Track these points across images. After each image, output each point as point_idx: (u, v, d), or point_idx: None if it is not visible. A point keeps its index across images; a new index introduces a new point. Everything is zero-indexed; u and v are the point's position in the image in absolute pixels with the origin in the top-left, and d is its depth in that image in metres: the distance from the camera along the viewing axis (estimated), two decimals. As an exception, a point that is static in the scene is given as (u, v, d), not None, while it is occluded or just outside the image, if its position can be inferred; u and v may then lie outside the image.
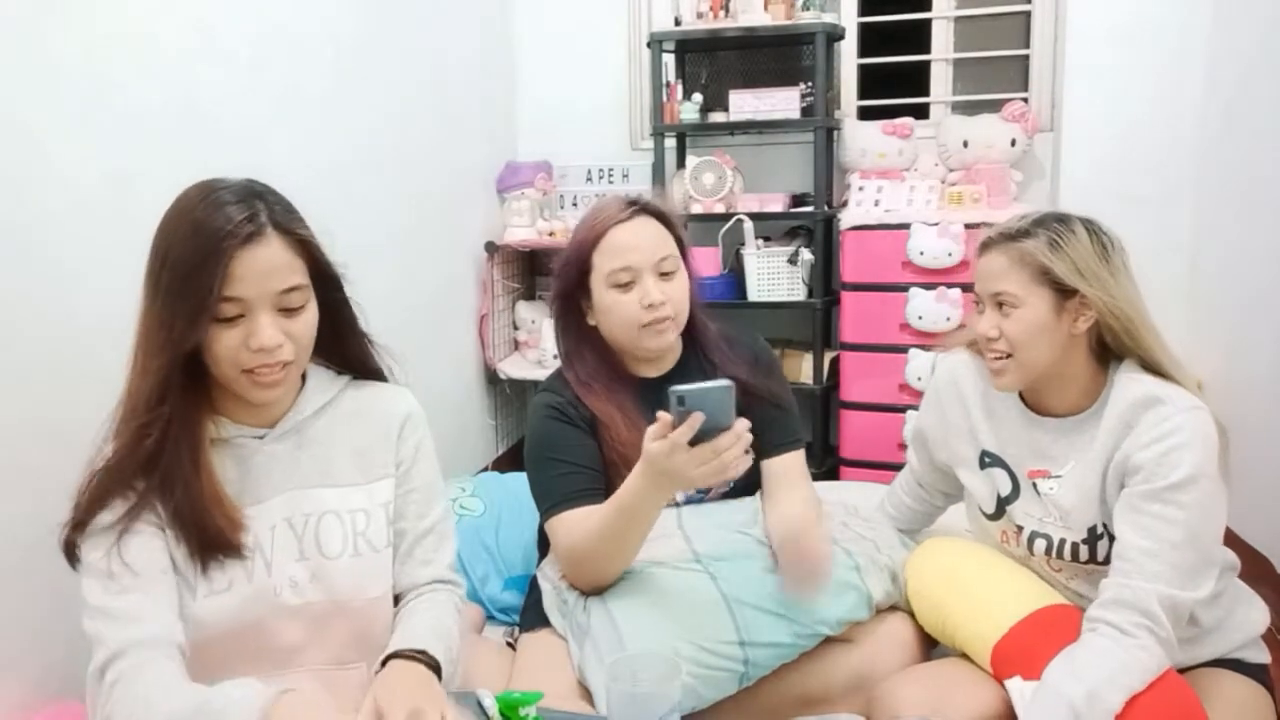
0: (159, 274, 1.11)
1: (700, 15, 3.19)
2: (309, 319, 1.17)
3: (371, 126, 2.57)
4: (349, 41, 2.46)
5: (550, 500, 1.52)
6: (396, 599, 1.30)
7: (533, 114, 3.59)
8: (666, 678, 1.02)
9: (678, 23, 3.25)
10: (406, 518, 1.29)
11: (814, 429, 3.14)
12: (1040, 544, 1.47)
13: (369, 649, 1.22)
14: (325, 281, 1.21)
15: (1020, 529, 1.50)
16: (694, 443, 1.23)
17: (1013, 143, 3.05)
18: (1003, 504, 1.53)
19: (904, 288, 2.90)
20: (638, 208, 1.57)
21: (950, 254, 2.84)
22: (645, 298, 1.52)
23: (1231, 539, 2.54)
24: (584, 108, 3.56)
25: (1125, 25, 2.95)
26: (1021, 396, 1.51)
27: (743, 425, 1.25)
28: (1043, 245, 1.39)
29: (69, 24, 1.58)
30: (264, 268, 1.11)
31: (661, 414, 1.26)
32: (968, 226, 2.81)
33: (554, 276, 1.65)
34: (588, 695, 1.40)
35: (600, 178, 3.58)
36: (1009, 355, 1.42)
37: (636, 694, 1.00)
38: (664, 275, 1.55)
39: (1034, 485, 1.47)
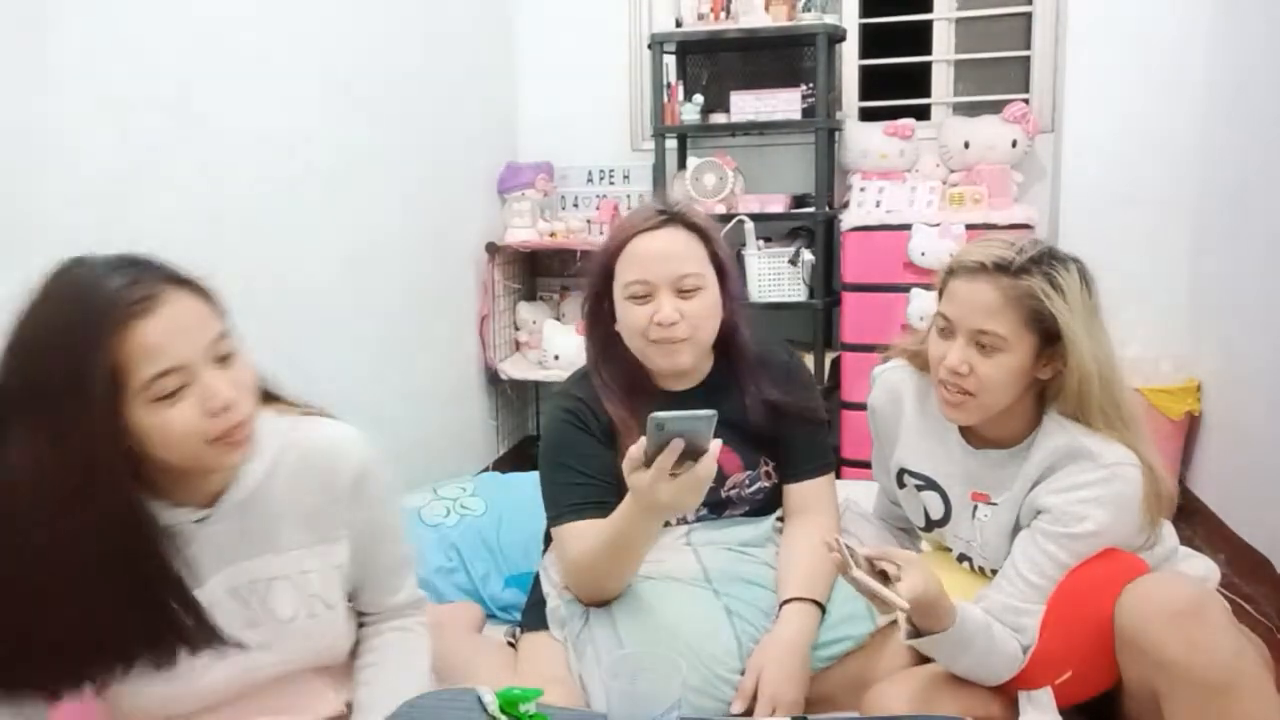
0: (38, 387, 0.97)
1: (701, 17, 3.20)
2: (244, 367, 1.09)
3: (372, 127, 2.57)
4: (350, 43, 2.47)
5: (557, 508, 1.50)
6: (360, 616, 1.32)
7: (533, 115, 3.59)
8: (666, 677, 1.02)
9: (679, 24, 3.25)
10: (371, 564, 1.28)
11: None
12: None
13: (332, 678, 1.25)
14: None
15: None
16: (674, 469, 1.20)
17: (1014, 144, 3.05)
18: (932, 524, 1.53)
19: (905, 288, 2.90)
20: (668, 217, 1.49)
21: (951, 255, 2.83)
22: (656, 314, 1.45)
23: (1231, 539, 2.54)
24: (585, 109, 3.56)
25: (1125, 26, 2.96)
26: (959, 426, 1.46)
27: (716, 446, 1.20)
28: (1045, 288, 1.29)
29: (71, 26, 1.59)
30: (185, 323, 1.02)
31: (631, 448, 1.23)
32: (969, 227, 2.81)
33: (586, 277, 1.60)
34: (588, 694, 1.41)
35: (601, 179, 3.58)
36: (971, 394, 1.33)
37: (636, 693, 1.00)
38: (684, 293, 1.46)
39: (974, 508, 1.45)
